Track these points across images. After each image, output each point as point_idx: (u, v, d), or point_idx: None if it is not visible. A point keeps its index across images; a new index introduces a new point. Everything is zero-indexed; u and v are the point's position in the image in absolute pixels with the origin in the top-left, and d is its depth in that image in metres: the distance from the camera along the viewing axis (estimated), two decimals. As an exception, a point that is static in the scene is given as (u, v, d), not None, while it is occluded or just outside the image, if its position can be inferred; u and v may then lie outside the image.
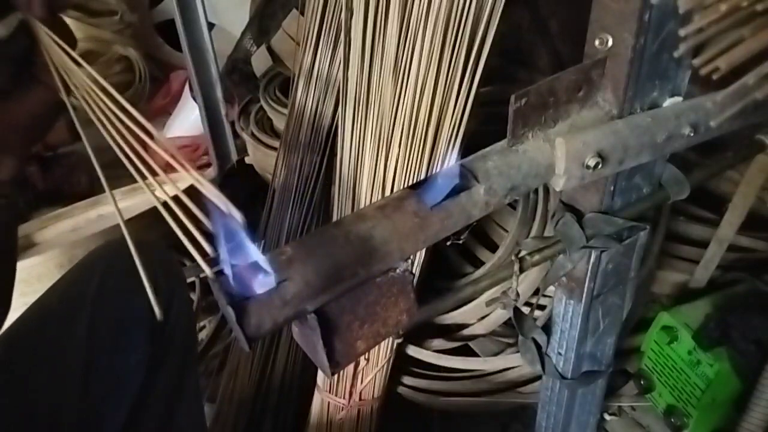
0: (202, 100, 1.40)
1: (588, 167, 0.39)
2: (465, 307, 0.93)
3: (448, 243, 0.86)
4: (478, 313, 0.95)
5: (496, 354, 0.98)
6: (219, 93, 1.40)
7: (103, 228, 0.96)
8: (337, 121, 0.82)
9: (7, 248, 0.60)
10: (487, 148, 0.40)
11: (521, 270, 0.46)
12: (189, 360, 0.70)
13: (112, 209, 1.21)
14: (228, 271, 0.30)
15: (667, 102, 0.44)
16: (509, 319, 0.94)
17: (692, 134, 0.43)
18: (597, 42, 0.41)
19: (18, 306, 0.89)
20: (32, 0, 0.56)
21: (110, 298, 0.63)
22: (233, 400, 0.94)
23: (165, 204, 0.34)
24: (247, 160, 1.31)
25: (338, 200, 0.80)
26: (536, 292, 0.90)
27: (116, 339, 0.62)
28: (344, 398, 0.86)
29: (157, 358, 0.64)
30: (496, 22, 0.60)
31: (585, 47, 0.43)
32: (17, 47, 0.59)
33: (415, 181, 0.66)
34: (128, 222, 0.99)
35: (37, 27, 0.56)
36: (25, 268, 0.88)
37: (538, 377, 0.93)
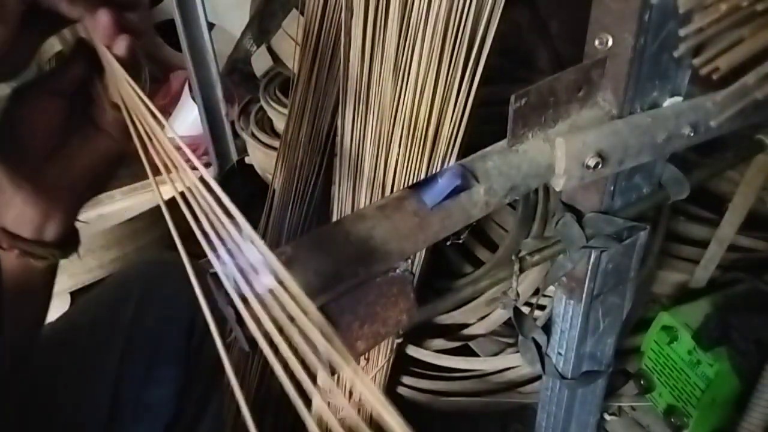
0: (201, 100, 1.40)
1: (588, 167, 0.40)
2: (465, 307, 0.93)
3: (448, 243, 0.86)
4: (478, 313, 0.95)
5: (496, 354, 0.98)
6: (219, 93, 1.39)
7: (104, 228, 0.96)
8: (337, 121, 0.82)
9: (42, 315, 0.51)
10: (487, 148, 0.40)
11: (521, 270, 0.46)
12: (216, 382, 0.68)
13: (112, 209, 1.22)
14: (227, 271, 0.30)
15: (667, 102, 0.44)
16: (509, 319, 0.94)
17: (692, 134, 0.43)
18: (597, 42, 0.41)
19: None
20: (114, 33, 0.41)
21: (145, 329, 0.60)
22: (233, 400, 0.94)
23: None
24: (247, 160, 1.31)
25: (338, 200, 0.80)
26: (536, 292, 0.90)
27: (148, 371, 0.60)
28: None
29: (188, 387, 0.63)
30: (496, 22, 0.60)
31: (585, 47, 0.43)
32: (71, 77, 0.43)
33: (415, 181, 0.66)
34: (128, 222, 0.99)
35: (106, 58, 0.41)
36: (25, 268, 0.88)
37: (538, 377, 0.93)
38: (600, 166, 0.40)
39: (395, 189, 0.72)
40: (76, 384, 0.58)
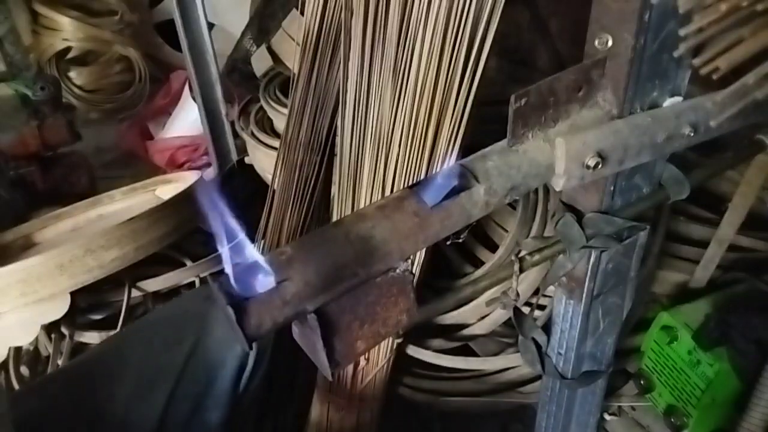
0: (201, 100, 1.40)
1: (588, 167, 0.40)
2: (465, 307, 0.93)
3: (448, 243, 0.86)
4: (478, 313, 0.95)
5: (496, 354, 0.98)
6: (219, 93, 1.39)
7: (104, 228, 0.96)
8: (337, 121, 0.82)
9: None
10: (487, 148, 0.40)
11: (521, 270, 0.46)
12: (249, 423, 0.67)
13: (112, 209, 1.21)
14: (228, 271, 0.30)
15: (667, 102, 0.44)
16: (509, 319, 0.94)
17: (692, 134, 0.43)
18: (597, 42, 0.41)
19: (18, 305, 0.89)
20: None
21: (196, 371, 0.60)
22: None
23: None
24: (247, 160, 1.31)
25: (338, 200, 0.80)
26: (536, 292, 0.90)
27: (193, 414, 0.59)
28: (344, 398, 0.86)
29: (228, 428, 0.62)
30: (496, 22, 0.60)
31: (585, 47, 0.43)
32: None
33: (415, 181, 0.66)
34: (128, 222, 0.99)
35: None
36: (25, 268, 0.88)
37: (538, 377, 0.93)
38: (600, 166, 0.40)
39: (395, 189, 0.71)
40: (120, 414, 0.57)
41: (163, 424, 0.57)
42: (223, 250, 0.30)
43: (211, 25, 1.36)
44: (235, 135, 1.40)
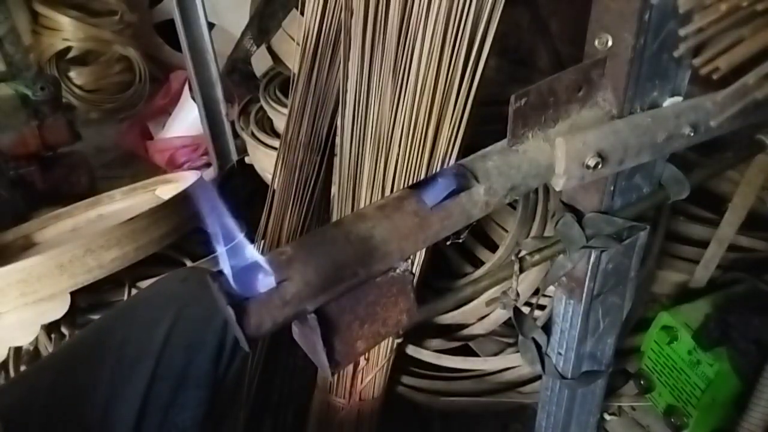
0: (201, 100, 1.40)
1: (588, 167, 0.40)
2: (465, 307, 0.93)
3: (448, 243, 0.86)
4: (478, 313, 0.95)
5: (496, 354, 0.98)
6: (219, 93, 1.40)
7: (104, 228, 0.96)
8: (337, 121, 0.82)
9: None
10: (487, 148, 0.40)
11: (521, 270, 0.46)
12: (235, 410, 0.68)
13: (112, 209, 1.21)
14: (227, 270, 0.30)
15: (667, 102, 0.44)
16: (509, 319, 0.94)
17: (692, 134, 0.43)
18: (597, 42, 0.41)
19: (18, 305, 0.89)
20: None
21: (175, 353, 0.60)
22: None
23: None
24: (247, 160, 1.31)
25: (338, 200, 0.80)
26: (536, 292, 0.90)
27: (174, 395, 0.60)
28: (344, 398, 0.86)
29: (212, 414, 0.63)
30: (496, 22, 0.60)
31: (585, 47, 0.43)
32: None
33: (415, 181, 0.66)
34: (128, 222, 0.98)
35: None
36: (25, 268, 0.88)
37: (538, 377, 0.93)
38: (600, 166, 0.40)
39: (395, 189, 0.71)
40: (103, 398, 0.58)
41: (146, 405, 0.58)
42: (221, 250, 0.30)
43: (211, 25, 1.36)
44: (235, 135, 1.40)
